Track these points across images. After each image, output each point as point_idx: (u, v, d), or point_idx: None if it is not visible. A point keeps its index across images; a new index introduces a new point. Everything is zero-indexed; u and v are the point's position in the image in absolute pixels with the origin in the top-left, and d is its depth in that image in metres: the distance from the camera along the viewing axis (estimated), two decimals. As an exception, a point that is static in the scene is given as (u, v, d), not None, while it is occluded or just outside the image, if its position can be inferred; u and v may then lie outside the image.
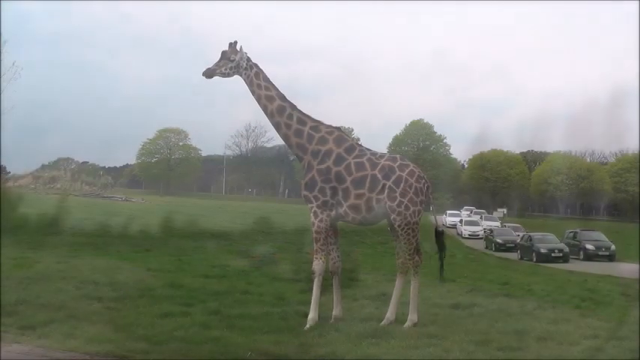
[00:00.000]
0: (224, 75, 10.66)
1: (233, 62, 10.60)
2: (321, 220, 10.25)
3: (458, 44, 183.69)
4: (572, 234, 40.95)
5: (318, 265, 10.14)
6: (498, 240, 44.47)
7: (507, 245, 43.38)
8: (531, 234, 39.43)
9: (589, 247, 37.48)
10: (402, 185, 10.17)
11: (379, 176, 10.20)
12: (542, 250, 35.32)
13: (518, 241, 43.65)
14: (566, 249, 35.88)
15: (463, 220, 60.08)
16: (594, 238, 39.14)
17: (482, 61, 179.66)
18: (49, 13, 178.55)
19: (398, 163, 10.40)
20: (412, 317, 10.28)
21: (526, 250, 37.47)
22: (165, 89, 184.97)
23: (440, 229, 11.14)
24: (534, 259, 35.14)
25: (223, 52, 10.63)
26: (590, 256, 36.58)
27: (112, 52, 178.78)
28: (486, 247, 45.51)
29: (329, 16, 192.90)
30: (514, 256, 38.70)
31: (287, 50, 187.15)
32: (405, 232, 10.24)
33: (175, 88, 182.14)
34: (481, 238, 52.83)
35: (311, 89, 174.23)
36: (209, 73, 10.62)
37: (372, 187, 10.19)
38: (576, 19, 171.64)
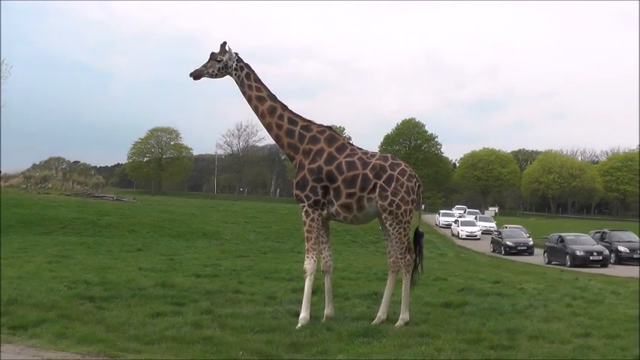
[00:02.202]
0: (212, 76, 10.61)
1: (221, 63, 10.56)
2: (312, 220, 10.25)
3: (450, 44, 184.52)
4: (599, 234, 37.73)
5: (309, 264, 10.14)
6: (508, 242, 40.93)
7: (519, 248, 40.41)
8: (562, 234, 35.78)
9: (622, 249, 34.29)
10: (393, 184, 10.18)
11: (370, 175, 10.20)
12: (579, 253, 32.00)
13: (531, 243, 41.23)
14: (606, 251, 32.64)
15: (459, 221, 57.19)
16: (626, 239, 36.11)
17: (474, 61, 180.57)
18: (41, 12, 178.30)
19: (389, 162, 10.39)
20: (404, 316, 10.30)
21: (556, 252, 34.17)
22: (156, 88, 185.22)
23: (420, 230, 11.06)
24: (568, 263, 31.88)
25: (212, 53, 10.61)
26: (622, 259, 33.44)
27: (104, 51, 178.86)
28: (493, 251, 42.39)
29: (322, 15, 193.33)
30: (530, 259, 35.87)
31: (280, 49, 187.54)
32: (397, 231, 10.26)
33: (167, 87, 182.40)
34: (479, 239, 51.14)
35: (304, 88, 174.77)
36: (196, 74, 10.54)
37: (363, 186, 10.19)
38: (571, 18, 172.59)
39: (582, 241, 34.30)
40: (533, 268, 28.66)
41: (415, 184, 10.45)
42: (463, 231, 53.28)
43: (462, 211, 74.00)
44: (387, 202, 10.14)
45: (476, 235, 52.75)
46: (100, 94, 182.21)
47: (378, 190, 10.18)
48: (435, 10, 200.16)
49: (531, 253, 39.67)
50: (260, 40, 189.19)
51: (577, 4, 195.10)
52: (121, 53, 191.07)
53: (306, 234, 10.32)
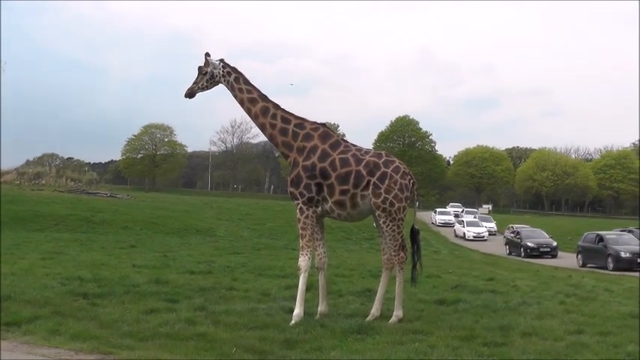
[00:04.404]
0: (204, 89, 10.76)
1: (207, 75, 10.65)
2: (306, 217, 10.26)
3: (444, 41, 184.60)
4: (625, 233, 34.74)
5: (303, 261, 10.15)
6: (529, 244, 37.49)
7: (541, 250, 37.09)
8: (601, 233, 32.44)
9: None
10: (386, 182, 10.18)
11: (364, 172, 10.21)
12: (624, 255, 28.72)
13: (554, 244, 37.91)
14: None
15: (465, 222, 54.13)
16: None
17: (468, 58, 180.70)
18: (36, 9, 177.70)
19: (383, 160, 10.40)
20: (397, 313, 10.31)
21: (595, 254, 30.82)
22: (151, 85, 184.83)
23: (416, 227, 11.07)
24: (610, 266, 28.71)
25: (199, 67, 10.71)
26: None
27: (99, 49, 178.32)
28: (510, 253, 39.20)
29: (316, 13, 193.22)
30: (553, 262, 32.62)
31: (275, 47, 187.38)
32: (390, 228, 10.26)
33: (161, 84, 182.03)
34: (486, 240, 49.07)
35: (298, 86, 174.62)
36: (189, 93, 10.72)
37: (356, 183, 10.20)
38: (566, 17, 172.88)
39: (625, 240, 31.03)
40: (526, 265, 28.64)
41: (409, 181, 10.45)
42: (470, 232, 50.41)
43: (460, 210, 73.22)
44: (380, 199, 10.14)
45: (483, 237, 50.08)
46: (94, 91, 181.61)
47: (371, 188, 10.19)
48: (431, 7, 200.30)
49: (555, 256, 36.73)
50: (255, 38, 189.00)
51: (572, 2, 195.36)
52: (115, 50, 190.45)
53: (300, 231, 10.34)
